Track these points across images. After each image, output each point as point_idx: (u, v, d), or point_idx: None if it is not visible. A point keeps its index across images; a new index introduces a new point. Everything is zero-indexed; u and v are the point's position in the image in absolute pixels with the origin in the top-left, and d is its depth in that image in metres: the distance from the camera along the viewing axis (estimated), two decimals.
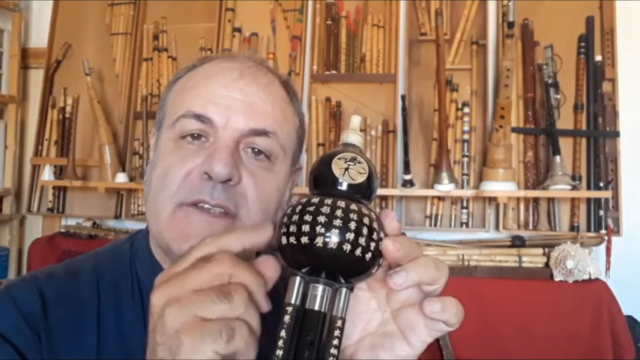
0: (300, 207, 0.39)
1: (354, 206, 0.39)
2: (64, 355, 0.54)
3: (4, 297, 0.56)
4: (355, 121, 0.46)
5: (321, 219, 0.37)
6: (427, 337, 0.41)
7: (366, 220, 0.38)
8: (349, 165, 0.41)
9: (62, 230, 2.09)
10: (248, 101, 0.54)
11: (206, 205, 0.52)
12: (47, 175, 2.01)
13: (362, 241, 0.37)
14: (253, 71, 0.57)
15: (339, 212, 0.38)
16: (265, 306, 0.38)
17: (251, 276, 0.37)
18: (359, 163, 0.42)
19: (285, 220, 0.39)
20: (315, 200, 0.39)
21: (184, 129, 0.54)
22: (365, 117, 1.88)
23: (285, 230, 0.39)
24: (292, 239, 0.38)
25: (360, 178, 0.41)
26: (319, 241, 0.37)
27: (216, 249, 0.38)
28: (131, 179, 1.97)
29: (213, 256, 0.37)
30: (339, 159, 0.42)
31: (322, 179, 0.42)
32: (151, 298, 0.37)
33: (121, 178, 1.93)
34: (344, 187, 0.41)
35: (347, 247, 0.37)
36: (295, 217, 0.38)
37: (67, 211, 2.11)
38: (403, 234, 0.42)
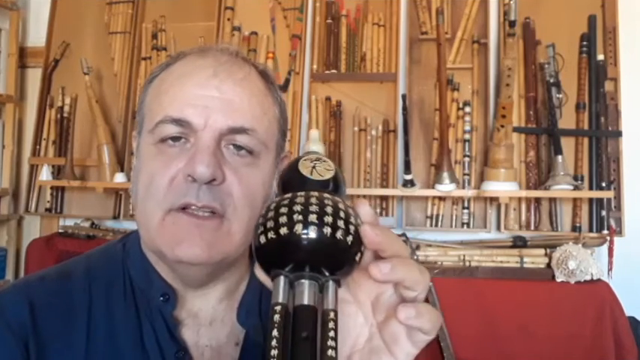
0: (274, 204, 0.39)
1: (327, 195, 0.39)
2: (53, 357, 0.54)
3: None
4: (314, 135, 0.49)
5: (297, 208, 0.37)
6: (411, 348, 0.40)
7: (341, 206, 0.39)
8: (315, 164, 0.43)
9: (60, 230, 2.07)
10: (225, 99, 0.54)
11: (193, 207, 0.52)
12: (45, 175, 2.00)
13: (341, 223, 0.37)
14: (228, 66, 0.56)
15: (313, 200, 0.38)
16: None
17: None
18: (324, 162, 0.43)
19: (260, 220, 0.39)
20: (288, 196, 0.39)
21: (164, 134, 0.54)
22: (365, 116, 1.87)
23: (262, 230, 0.38)
24: (271, 234, 0.37)
25: (328, 175, 0.42)
26: (298, 227, 0.36)
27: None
28: (130, 179, 1.95)
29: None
30: (304, 160, 0.43)
31: (291, 182, 0.42)
32: None
33: (120, 178, 1.92)
34: (313, 184, 0.41)
35: (327, 230, 0.37)
36: (271, 214, 0.38)
37: (65, 211, 2.10)
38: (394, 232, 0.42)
